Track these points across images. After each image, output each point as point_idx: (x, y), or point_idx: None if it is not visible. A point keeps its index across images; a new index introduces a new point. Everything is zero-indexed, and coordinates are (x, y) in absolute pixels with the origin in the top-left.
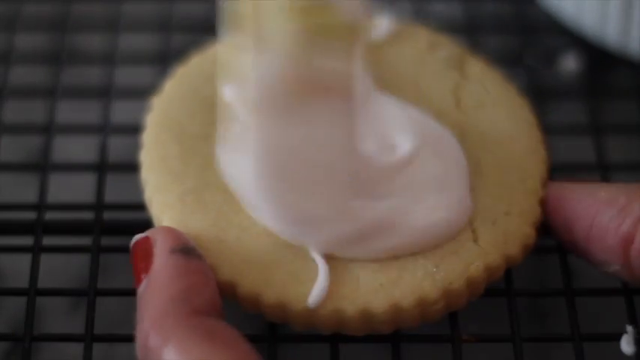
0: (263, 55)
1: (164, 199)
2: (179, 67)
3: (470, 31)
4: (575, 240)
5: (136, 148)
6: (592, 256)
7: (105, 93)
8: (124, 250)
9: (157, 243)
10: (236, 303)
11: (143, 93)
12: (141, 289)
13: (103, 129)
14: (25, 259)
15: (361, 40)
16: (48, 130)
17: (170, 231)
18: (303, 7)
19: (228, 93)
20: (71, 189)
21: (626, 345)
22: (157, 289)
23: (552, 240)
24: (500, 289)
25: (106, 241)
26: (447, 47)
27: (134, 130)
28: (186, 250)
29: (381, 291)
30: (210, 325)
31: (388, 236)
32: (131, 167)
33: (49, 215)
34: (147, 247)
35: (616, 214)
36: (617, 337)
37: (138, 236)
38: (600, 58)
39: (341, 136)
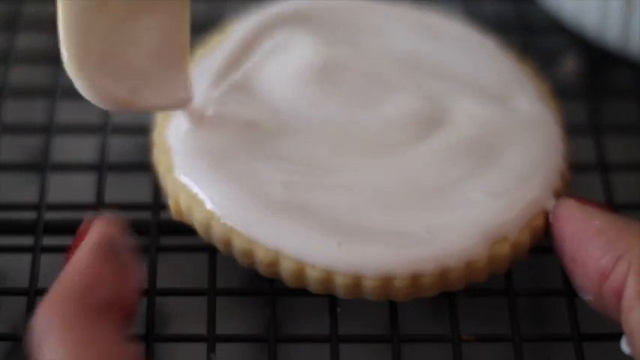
0: None
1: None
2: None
3: None
4: (564, 259)
5: (135, 148)
6: (573, 279)
7: None
8: None
9: (89, 233)
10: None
11: None
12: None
13: (103, 129)
14: (25, 259)
15: None
16: (48, 130)
17: (105, 226)
18: None
19: None
20: (71, 189)
21: (626, 345)
22: (64, 277)
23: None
24: (500, 289)
25: None
26: None
27: (134, 130)
28: (111, 246)
29: None
30: (92, 330)
31: None
32: (131, 167)
33: (49, 215)
34: (83, 232)
35: (600, 246)
36: (617, 337)
37: (88, 217)
38: (600, 58)
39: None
